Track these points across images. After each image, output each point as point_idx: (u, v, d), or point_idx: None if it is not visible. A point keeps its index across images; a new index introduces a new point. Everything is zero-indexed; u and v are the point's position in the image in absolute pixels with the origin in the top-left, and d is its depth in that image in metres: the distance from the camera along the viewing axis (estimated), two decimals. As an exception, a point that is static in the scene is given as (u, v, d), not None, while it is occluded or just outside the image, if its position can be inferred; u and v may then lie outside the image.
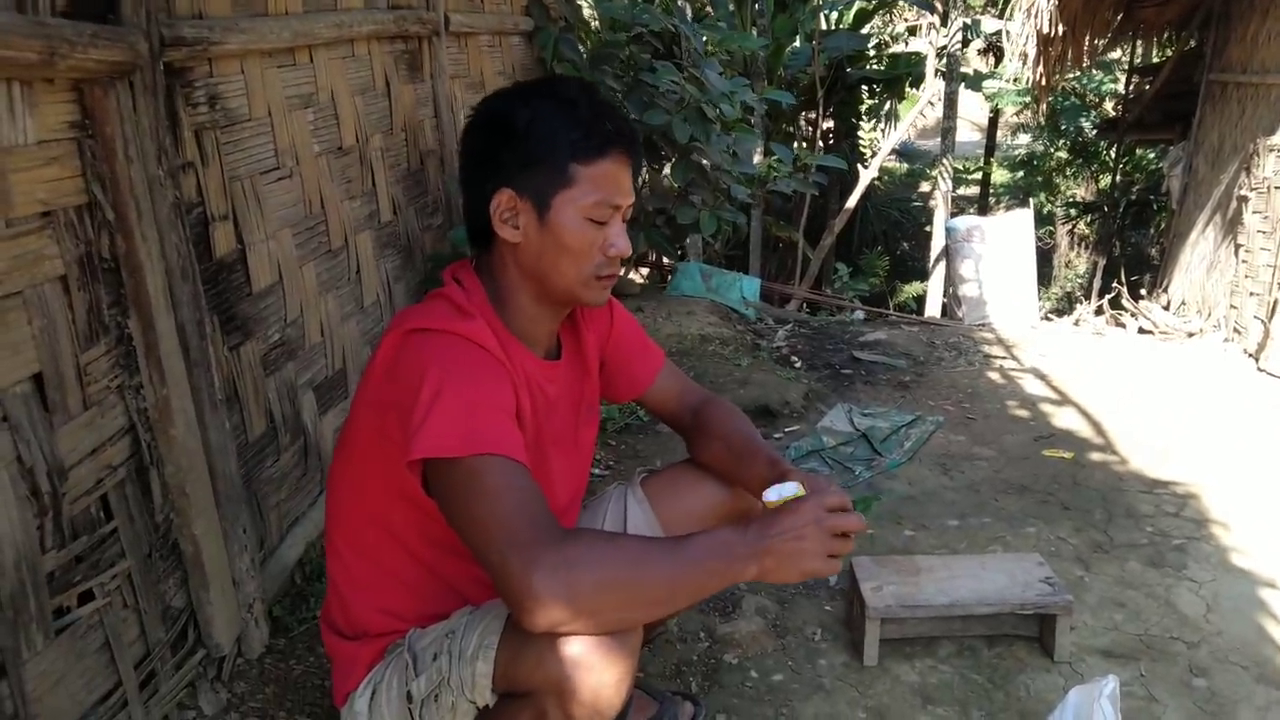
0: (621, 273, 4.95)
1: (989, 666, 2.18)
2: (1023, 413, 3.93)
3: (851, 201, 10.79)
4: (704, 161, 4.28)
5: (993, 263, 6.99)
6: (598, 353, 1.62)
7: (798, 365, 4.59)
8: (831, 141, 12.85)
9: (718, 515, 1.69)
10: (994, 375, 4.49)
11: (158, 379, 1.79)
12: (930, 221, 11.63)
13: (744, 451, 1.62)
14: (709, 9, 9.18)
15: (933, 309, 10.16)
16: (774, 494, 1.46)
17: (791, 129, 12.41)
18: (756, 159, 6.81)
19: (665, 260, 5.87)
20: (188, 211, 1.93)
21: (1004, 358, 4.86)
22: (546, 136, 1.32)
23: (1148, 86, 8.62)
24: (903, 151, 18.56)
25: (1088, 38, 7.94)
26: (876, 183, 15.46)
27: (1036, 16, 7.23)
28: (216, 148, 2.04)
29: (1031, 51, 7.59)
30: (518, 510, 1.17)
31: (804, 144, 11.20)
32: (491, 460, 1.20)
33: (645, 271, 6.39)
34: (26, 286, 1.49)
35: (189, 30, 1.87)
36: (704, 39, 4.32)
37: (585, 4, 5.34)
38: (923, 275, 12.38)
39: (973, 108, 17.57)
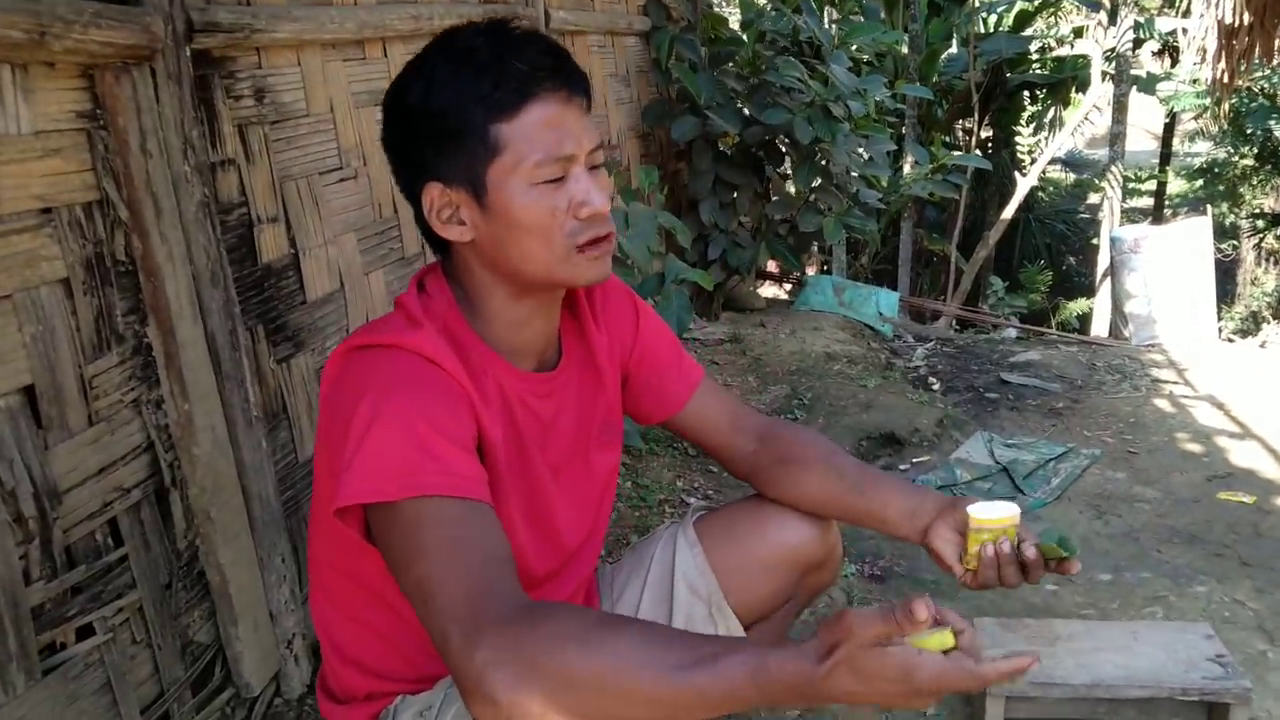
0: (739, 284, 4.66)
1: (1141, 762, 1.79)
2: (1195, 447, 3.43)
3: (1008, 212, 10.14)
4: (830, 164, 3.96)
5: (1164, 276, 6.33)
6: (619, 363, 1.34)
7: (935, 387, 4.20)
8: (991, 150, 12.19)
9: (789, 564, 1.40)
10: (1162, 402, 3.97)
11: (179, 393, 1.64)
12: (1098, 234, 10.83)
13: (862, 477, 1.33)
14: (860, 17, 8.83)
15: (1099, 328, 9.41)
16: (986, 511, 1.18)
17: (947, 137, 11.83)
18: (906, 168, 6.41)
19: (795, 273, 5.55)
20: (226, 212, 1.78)
21: (1175, 382, 4.31)
22: (450, 104, 1.05)
23: (1352, 82, 7.70)
24: (1069, 161, 17.54)
25: (1279, 29, 7.16)
26: (1040, 193, 14.61)
27: (1218, 6, 6.54)
28: (265, 144, 1.89)
29: (1212, 46, 6.86)
30: (465, 572, 0.91)
31: (961, 152, 10.61)
32: (436, 505, 0.95)
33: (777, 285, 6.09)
34: (16, 290, 1.35)
35: (226, 16, 1.72)
36: (831, 32, 4.01)
37: (718, 3, 5.13)
38: (1089, 291, 11.56)
39: (1147, 114, 16.43)
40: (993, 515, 1.18)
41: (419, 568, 0.93)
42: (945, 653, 0.82)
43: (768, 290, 6.29)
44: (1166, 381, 4.32)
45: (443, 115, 1.05)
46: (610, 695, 0.82)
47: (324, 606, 1.26)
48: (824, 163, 4.07)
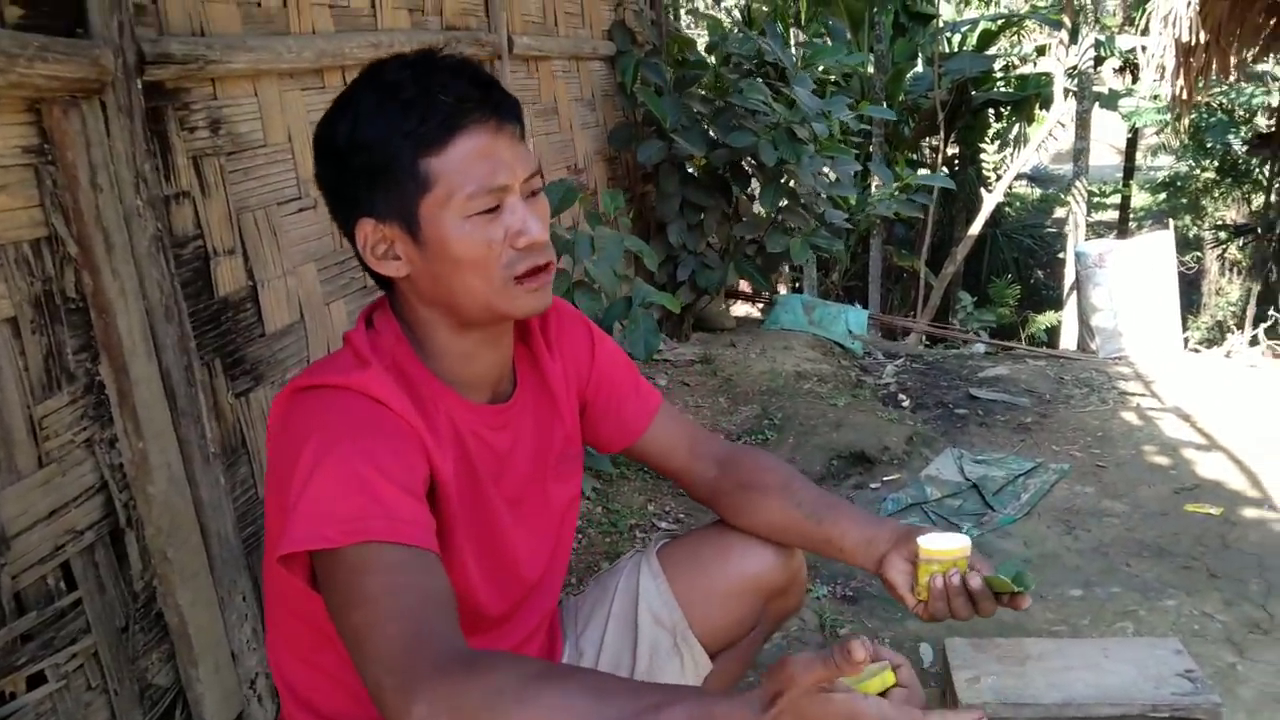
0: (709, 304, 4.66)
1: (1115, 780, 1.78)
2: (1162, 459, 3.45)
3: (975, 228, 10.25)
4: (796, 185, 3.98)
5: (1129, 290, 6.38)
6: (575, 392, 1.32)
7: (905, 404, 4.21)
8: (957, 167, 12.31)
9: (753, 591, 1.39)
10: (1129, 415, 4.00)
11: (134, 431, 1.60)
12: (1065, 248, 10.95)
13: (820, 505, 1.32)
14: (827, 39, 8.90)
15: (1067, 341, 9.48)
16: (934, 542, 1.18)
17: (914, 155, 11.92)
18: (874, 187, 6.46)
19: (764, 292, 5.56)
20: (181, 245, 1.76)
21: (1142, 394, 4.35)
22: (377, 140, 1.03)
23: (1306, 96, 7.86)
24: (1034, 176, 17.74)
25: (1235, 47, 7.29)
26: (1007, 209, 14.76)
27: (1174, 25, 6.66)
28: (221, 175, 1.87)
29: (1170, 63, 6.98)
30: (404, 620, 0.89)
31: (927, 170, 10.71)
32: (378, 550, 0.92)
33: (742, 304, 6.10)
34: (-39, 330, 1.33)
35: (179, 47, 1.70)
36: (794, 56, 4.04)
37: (686, 26, 5.15)
38: (1057, 304, 11.66)
39: (1110, 130, 16.66)
40: (942, 546, 1.18)
41: (358, 614, 0.90)
42: (887, 691, 0.82)
43: (740, 309, 6.29)
44: (1133, 394, 4.35)
45: (370, 151, 1.03)
46: None
47: (279, 648, 1.23)
48: (790, 184, 4.08)
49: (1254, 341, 6.74)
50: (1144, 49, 7.78)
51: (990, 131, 13.09)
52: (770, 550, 1.37)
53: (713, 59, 4.48)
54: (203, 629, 1.73)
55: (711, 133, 4.08)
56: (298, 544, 0.93)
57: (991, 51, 11.98)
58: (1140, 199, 15.71)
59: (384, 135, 1.03)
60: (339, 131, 1.06)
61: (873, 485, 3.24)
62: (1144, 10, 9.92)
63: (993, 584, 1.16)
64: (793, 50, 4.51)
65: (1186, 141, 12.82)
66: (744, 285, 5.77)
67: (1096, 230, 14.09)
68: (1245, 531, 2.82)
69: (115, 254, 1.55)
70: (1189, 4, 6.37)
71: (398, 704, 0.83)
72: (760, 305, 5.91)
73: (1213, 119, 11.90)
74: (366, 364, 1.07)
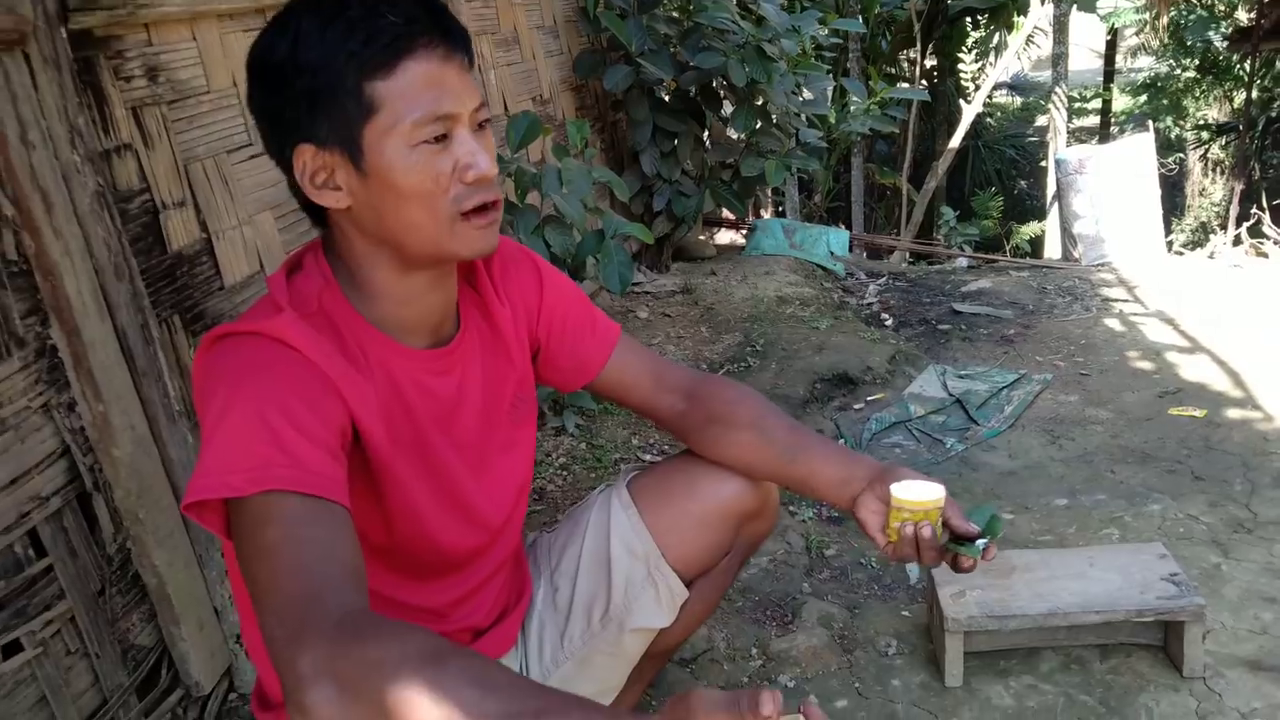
0: (688, 234, 4.57)
1: (1102, 684, 1.80)
2: (1145, 365, 3.45)
3: (956, 141, 10.13)
4: (768, 106, 3.90)
5: (1110, 195, 6.32)
6: (525, 332, 1.28)
7: (888, 323, 4.19)
8: (936, 79, 12.12)
9: (724, 517, 1.37)
10: (1112, 322, 3.99)
11: (92, 394, 1.57)
12: (1047, 157, 10.85)
13: (794, 442, 1.30)
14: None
15: (1051, 250, 9.45)
16: (907, 491, 1.17)
17: (891, 69, 11.73)
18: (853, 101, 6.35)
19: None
20: (127, 200, 1.70)
21: (1125, 300, 4.34)
22: (320, 60, 0.97)
23: (1287, -15, 7.72)
24: (1015, 85, 17.51)
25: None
26: (987, 120, 14.59)
27: (1151, -83, 6.50)
28: (164, 126, 1.80)
29: (1147, -42, 6.85)
30: (298, 576, 0.86)
31: (906, 84, 10.53)
32: (281, 500, 0.89)
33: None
34: (-104, 300, 1.28)
35: (105, -9, 1.63)
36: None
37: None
38: (1041, 215, 11.61)
39: (1090, 33, 16.41)
40: (915, 497, 1.16)
41: (257, 566, 0.88)
42: None
43: (723, 237, 6.22)
44: (1116, 300, 4.33)
45: (311, 73, 0.98)
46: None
47: (244, 610, 1.21)
48: (762, 104, 4.00)
49: (1237, 241, 6.72)
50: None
51: (968, 41, 12.87)
52: (740, 476, 1.35)
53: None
54: (182, 588, 1.72)
55: (680, 55, 3.98)
56: (202, 491, 0.90)
57: (966, -44, 11.70)
58: (1121, 102, 15.55)
59: (326, 56, 0.97)
60: (277, 52, 0.99)
61: (856, 406, 3.23)
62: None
63: (960, 548, 1.17)
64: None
65: (1166, 40, 12.65)
66: (726, 213, 5.70)
67: (1078, 136, 13.96)
68: (1229, 432, 2.82)
69: (56, 213, 1.49)
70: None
71: (286, 657, 0.81)
72: (743, 232, 5.85)
73: (1192, 15, 11.72)
74: (279, 310, 1.02)
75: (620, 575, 1.37)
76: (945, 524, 1.18)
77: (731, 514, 1.37)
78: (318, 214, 1.08)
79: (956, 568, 1.18)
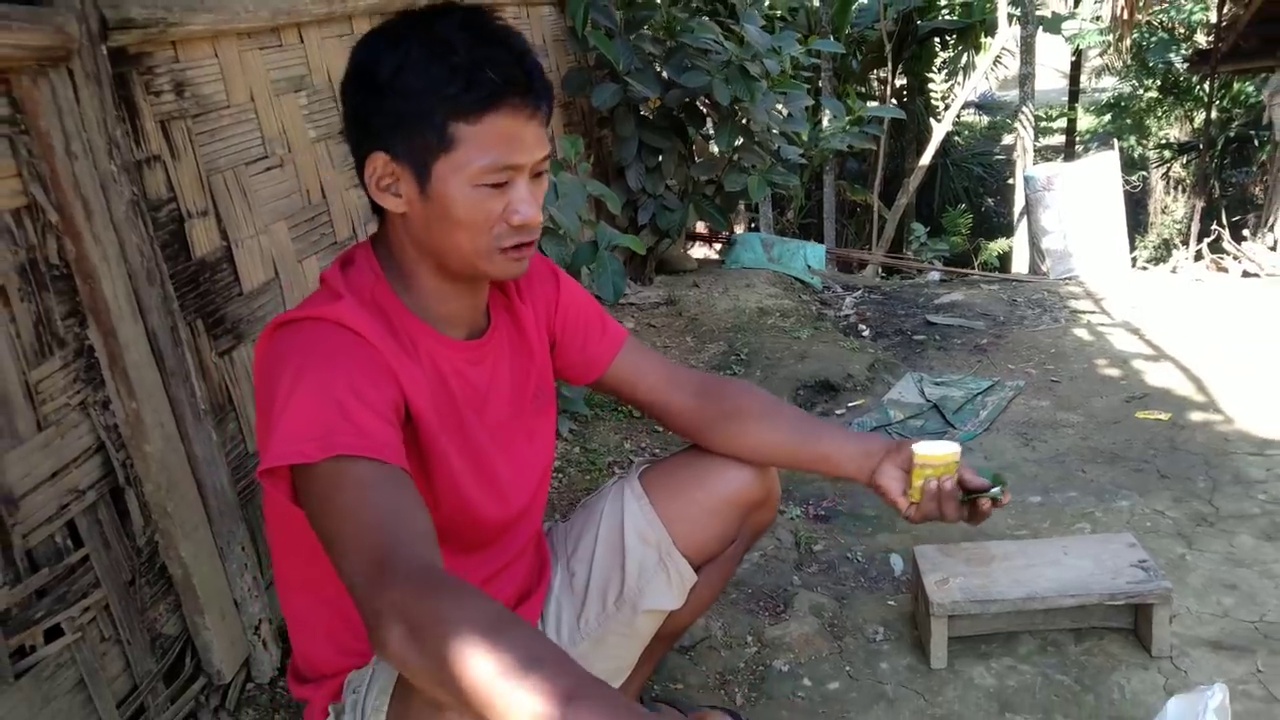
0: (671, 247, 4.70)
1: (1076, 665, 1.92)
2: (1113, 372, 3.60)
3: (926, 159, 10.35)
4: (750, 123, 4.03)
5: (1077, 211, 6.53)
6: (545, 330, 1.40)
7: (865, 334, 4.32)
8: (906, 98, 12.36)
9: (732, 506, 1.48)
10: (1081, 332, 4.14)
11: (126, 392, 1.65)
12: (1014, 174, 11.10)
13: (806, 426, 1.44)
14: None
15: (1019, 265, 9.66)
16: (929, 448, 1.30)
17: (862, 88, 11.95)
18: (825, 122, 6.51)
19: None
20: (156, 209, 1.78)
21: (1092, 312, 4.50)
22: (416, 92, 1.07)
23: (1242, 11, 7.98)
24: (982, 104, 17.84)
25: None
26: (956, 138, 14.87)
27: (1113, -57, 6.73)
28: (189, 138, 1.89)
29: (1110, -18, 7.08)
30: (371, 532, 0.95)
31: (876, 103, 10.75)
32: (349, 465, 0.99)
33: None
34: (-47, 300, 1.36)
35: (139, 11, 1.71)
36: (743, -8, 4.05)
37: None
38: (1008, 231, 11.84)
39: (1055, 54, 16.78)
40: (936, 452, 1.30)
41: (333, 524, 0.97)
42: None
43: (698, 251, 6.35)
44: (1084, 312, 4.49)
45: (407, 99, 1.07)
46: (456, 669, 0.84)
47: (284, 586, 1.30)
48: (745, 122, 4.12)
49: (1198, 256, 6.93)
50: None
51: (937, 61, 13.16)
52: (746, 468, 1.47)
53: (661, -1, 4.46)
54: (206, 579, 1.79)
55: (665, 74, 4.10)
56: (277, 459, 1.00)
57: (935, -21, 11.99)
58: (1086, 121, 15.90)
59: (425, 89, 1.07)
60: (383, 68, 1.09)
61: (838, 411, 3.35)
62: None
63: (980, 495, 1.30)
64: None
65: (1129, 62, 12.98)
66: (701, 227, 5.82)
67: (1044, 155, 14.26)
68: (1192, 434, 2.96)
69: (95, 220, 1.58)
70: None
71: (366, 597, 0.91)
72: (719, 246, 5.98)
73: (1154, 38, 12.05)
74: (340, 297, 1.13)
75: (633, 561, 1.47)
76: (959, 482, 1.31)
77: (738, 504, 1.47)
78: (376, 209, 1.19)
79: (974, 519, 1.30)
